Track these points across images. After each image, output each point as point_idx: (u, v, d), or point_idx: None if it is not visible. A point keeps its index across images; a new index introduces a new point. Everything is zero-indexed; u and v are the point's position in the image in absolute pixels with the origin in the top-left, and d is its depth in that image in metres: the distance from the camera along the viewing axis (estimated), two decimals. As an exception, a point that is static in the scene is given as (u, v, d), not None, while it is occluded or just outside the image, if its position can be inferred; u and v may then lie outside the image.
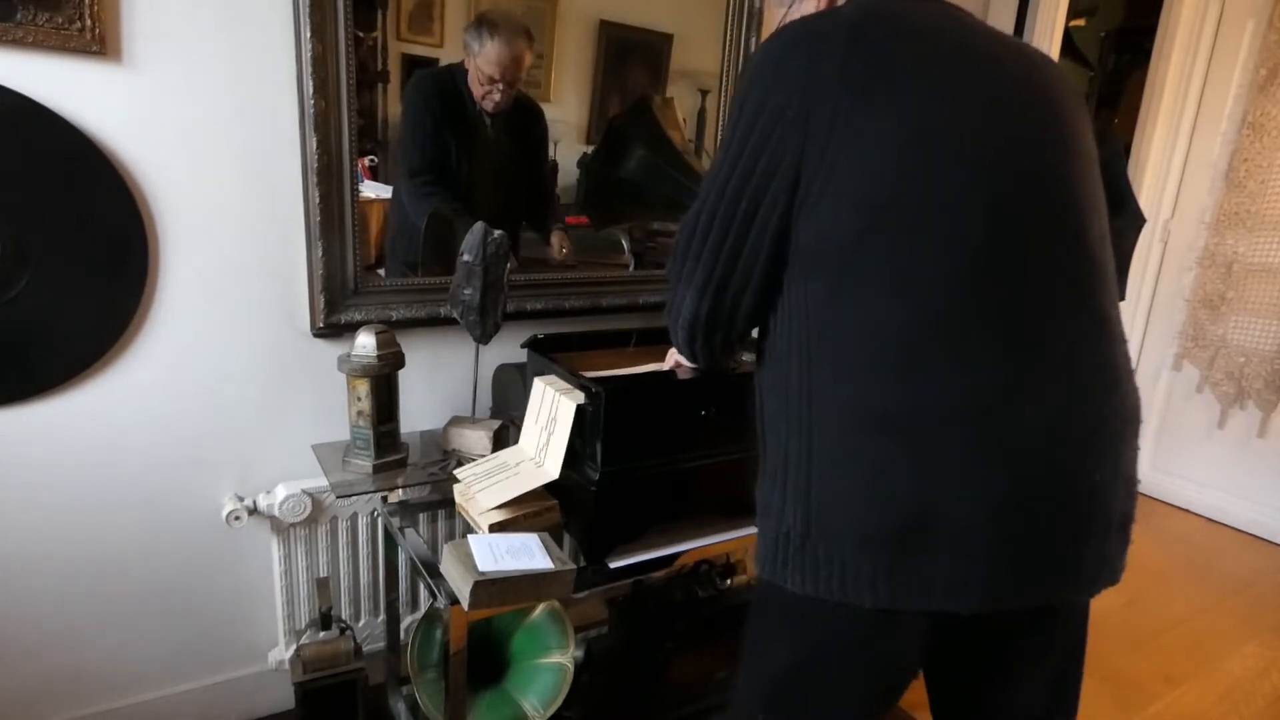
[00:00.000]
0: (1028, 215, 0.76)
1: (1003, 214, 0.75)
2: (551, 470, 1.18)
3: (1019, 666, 0.90)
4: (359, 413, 1.31)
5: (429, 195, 1.53)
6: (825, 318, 0.77)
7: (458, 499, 1.26)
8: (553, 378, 1.27)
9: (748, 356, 1.11)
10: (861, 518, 0.75)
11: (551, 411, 1.21)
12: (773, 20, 0.97)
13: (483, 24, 1.49)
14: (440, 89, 1.52)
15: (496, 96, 1.54)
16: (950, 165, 0.74)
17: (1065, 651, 0.91)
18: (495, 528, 1.16)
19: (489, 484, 1.19)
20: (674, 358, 1.28)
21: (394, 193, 1.52)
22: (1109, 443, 0.79)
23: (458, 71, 1.51)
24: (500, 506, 1.16)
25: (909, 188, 0.73)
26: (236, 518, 1.41)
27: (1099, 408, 0.78)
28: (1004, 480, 0.73)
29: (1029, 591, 0.77)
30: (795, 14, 0.93)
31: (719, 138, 1.80)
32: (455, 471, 1.28)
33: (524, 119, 1.61)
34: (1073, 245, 0.78)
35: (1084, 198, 0.80)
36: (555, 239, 1.71)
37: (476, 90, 1.53)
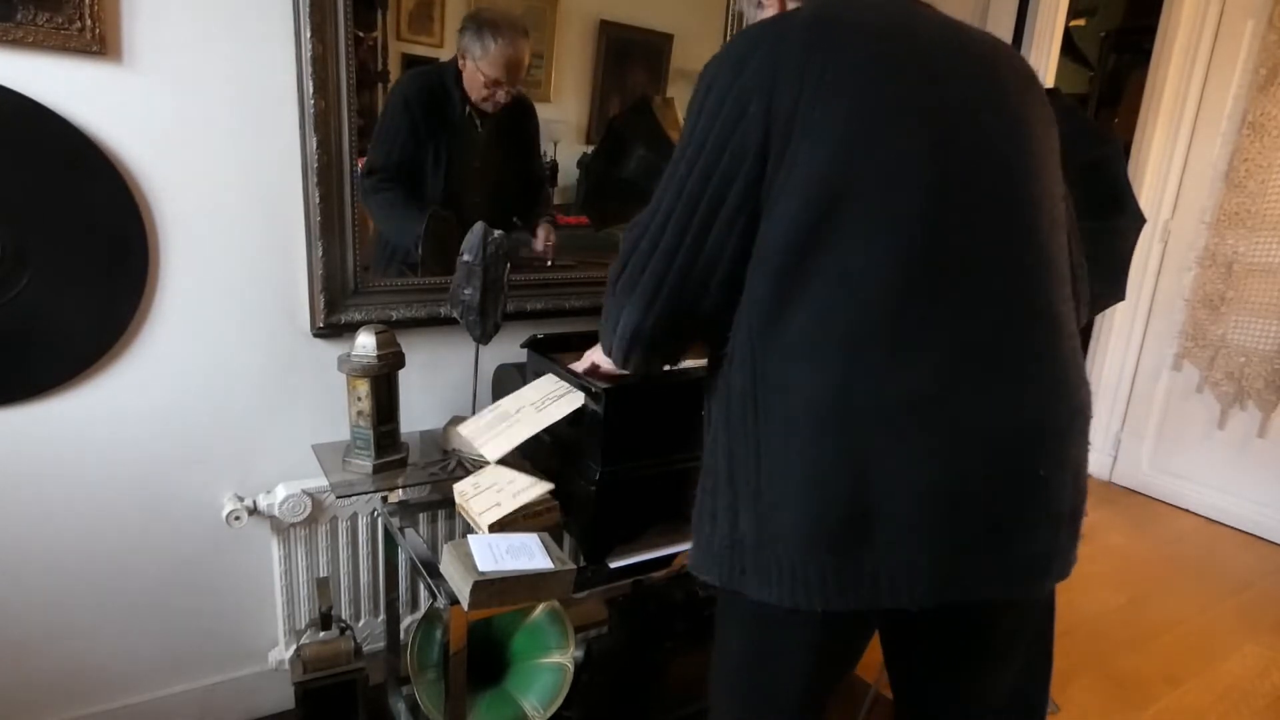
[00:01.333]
0: (975, 211, 0.76)
1: (949, 209, 0.75)
2: (555, 413, 1.19)
3: (982, 663, 0.91)
4: (359, 413, 1.31)
5: (378, 191, 1.48)
6: (770, 316, 0.77)
7: (458, 499, 1.25)
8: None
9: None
10: (806, 518, 0.75)
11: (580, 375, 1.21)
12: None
13: (484, 26, 1.47)
14: (426, 90, 1.50)
15: (501, 97, 1.53)
16: (897, 160, 0.74)
17: (1026, 647, 0.92)
18: (495, 528, 1.16)
19: (492, 436, 1.21)
20: (590, 359, 1.21)
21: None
22: (1055, 437, 0.79)
23: (448, 70, 1.49)
24: (498, 505, 1.16)
25: (855, 183, 0.74)
26: (236, 518, 1.41)
27: (1044, 402, 0.78)
28: (941, 473, 0.74)
29: (975, 585, 0.77)
30: (756, 19, 0.94)
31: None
32: (459, 429, 1.29)
33: (515, 115, 1.60)
34: (1022, 240, 0.78)
35: (1036, 194, 0.80)
36: (541, 230, 1.68)
37: (477, 93, 1.52)
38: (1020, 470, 0.76)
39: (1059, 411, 0.79)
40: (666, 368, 0.93)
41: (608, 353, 0.90)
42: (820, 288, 0.74)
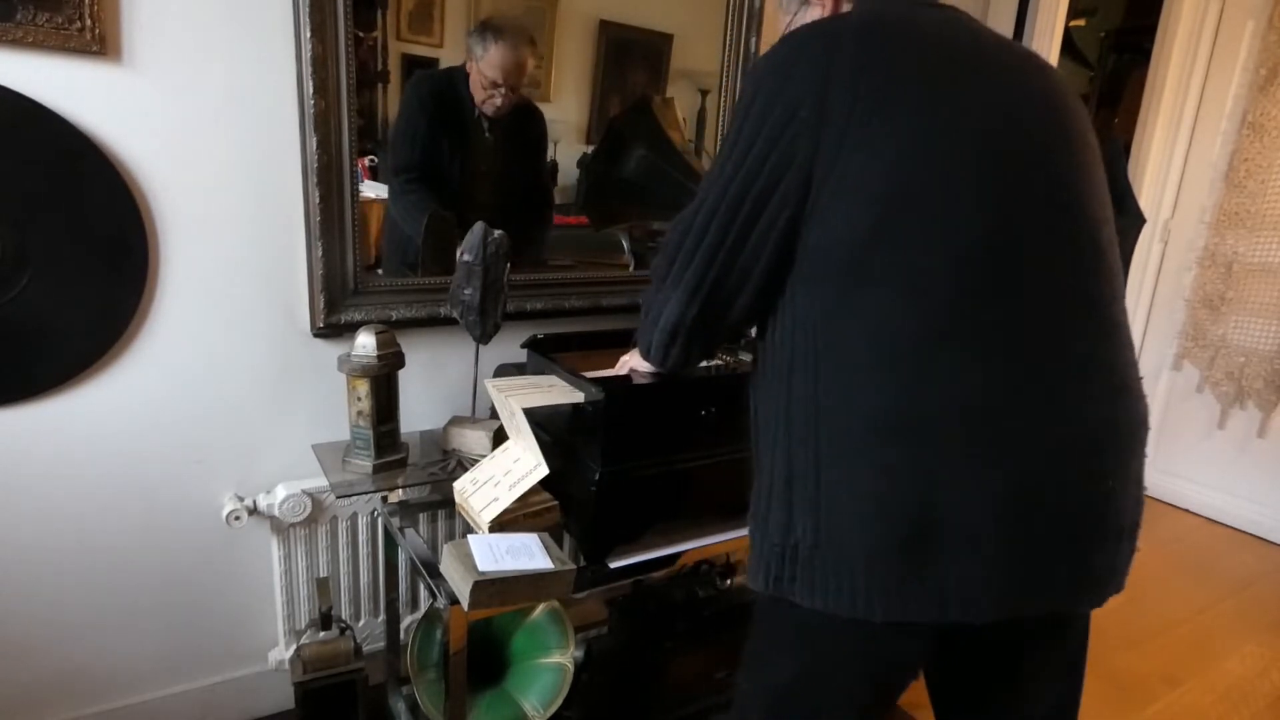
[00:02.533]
0: (1034, 221, 0.76)
1: (1007, 219, 0.74)
2: (578, 397, 1.22)
3: (1024, 676, 0.90)
4: (359, 413, 1.31)
5: (407, 193, 1.52)
6: (832, 324, 0.77)
7: (457, 498, 1.25)
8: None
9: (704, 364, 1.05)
10: (870, 527, 0.74)
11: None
12: (777, 27, 0.97)
13: (487, 29, 1.49)
14: (438, 91, 1.52)
15: (498, 101, 1.54)
16: (955, 169, 0.74)
17: (1069, 662, 0.91)
18: (495, 525, 1.16)
19: (524, 392, 1.23)
20: (628, 364, 1.22)
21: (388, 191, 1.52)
22: (1120, 448, 0.78)
23: (458, 74, 1.51)
24: (496, 502, 1.16)
25: (914, 191, 0.73)
26: (236, 518, 1.41)
27: (1109, 413, 0.77)
28: (1010, 484, 0.73)
29: (1039, 599, 0.76)
30: (800, 20, 0.93)
31: (719, 138, 1.81)
32: (489, 383, 1.29)
33: (523, 121, 1.61)
34: (1081, 251, 0.78)
35: (1092, 205, 0.80)
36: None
37: (478, 94, 1.53)
38: (1089, 483, 0.76)
39: (1124, 423, 0.79)
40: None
41: (646, 349, 0.91)
42: (880, 297, 0.74)
